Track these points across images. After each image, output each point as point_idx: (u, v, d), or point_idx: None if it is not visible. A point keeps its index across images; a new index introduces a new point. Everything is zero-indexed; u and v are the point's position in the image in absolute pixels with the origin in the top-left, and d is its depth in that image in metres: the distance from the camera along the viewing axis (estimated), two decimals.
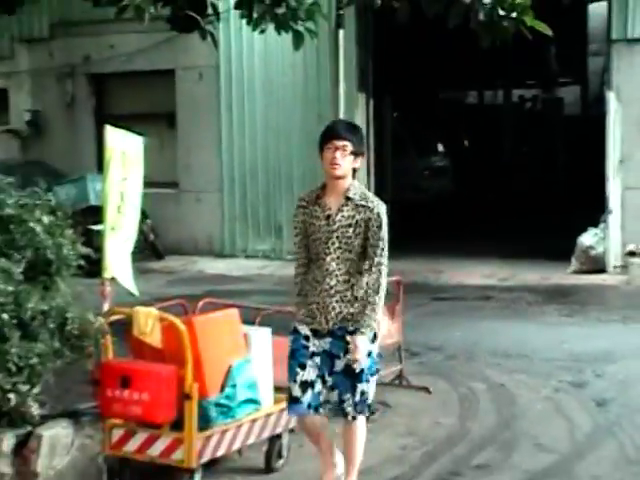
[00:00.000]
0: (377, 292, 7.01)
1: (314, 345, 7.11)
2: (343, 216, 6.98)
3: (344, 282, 7.04)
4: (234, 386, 8.14)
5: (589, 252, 21.01)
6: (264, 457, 8.64)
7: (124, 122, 9.52)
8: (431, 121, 33.05)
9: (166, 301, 9.32)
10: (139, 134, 9.27)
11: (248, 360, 8.37)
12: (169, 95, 25.72)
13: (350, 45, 20.85)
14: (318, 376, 7.10)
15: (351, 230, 6.95)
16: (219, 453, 8.03)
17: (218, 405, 7.97)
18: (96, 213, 11.21)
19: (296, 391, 7.11)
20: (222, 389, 8.05)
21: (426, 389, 11.50)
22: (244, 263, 22.74)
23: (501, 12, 12.35)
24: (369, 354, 7.09)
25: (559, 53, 31.79)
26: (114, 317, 8.40)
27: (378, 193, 24.34)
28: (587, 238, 21.16)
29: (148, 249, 21.27)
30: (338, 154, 6.95)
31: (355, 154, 7.06)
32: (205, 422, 7.79)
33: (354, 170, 7.13)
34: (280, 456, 8.71)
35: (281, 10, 13.67)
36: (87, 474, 7.91)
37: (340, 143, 6.98)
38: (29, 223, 7.64)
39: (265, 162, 24.69)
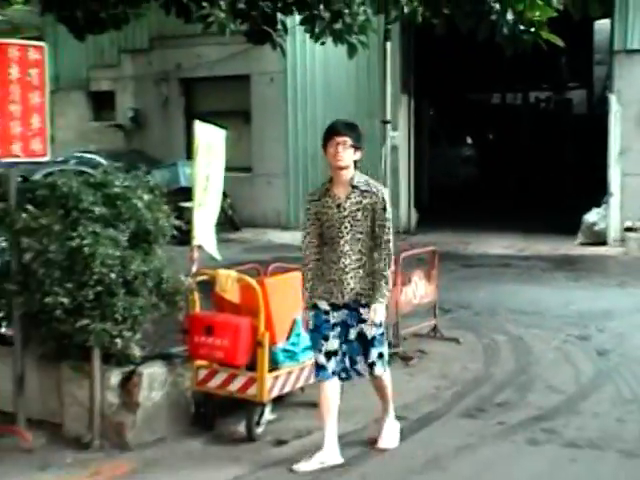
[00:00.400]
0: (388, 266, 7.03)
1: (333, 317, 7.07)
2: (352, 202, 6.94)
3: (357, 260, 6.98)
4: (298, 335, 8.22)
5: (593, 228, 21.03)
6: None
7: (208, 118, 9.57)
8: (461, 118, 32.85)
9: (242, 265, 9.37)
10: (221, 128, 9.33)
11: None
12: (245, 96, 25.84)
13: (395, 54, 20.72)
14: (339, 344, 7.09)
15: (360, 214, 6.93)
16: (285, 390, 8.17)
17: (285, 351, 8.07)
18: (186, 193, 11.30)
19: (322, 360, 7.09)
20: (288, 338, 8.15)
21: (456, 340, 11.55)
22: None
23: (521, 27, 12.36)
24: (379, 324, 7.09)
25: (569, 61, 31.36)
26: (200, 277, 8.49)
27: (417, 178, 24.61)
28: (591, 216, 21.18)
29: (227, 222, 21.31)
30: (340, 148, 6.89)
31: (355, 147, 6.99)
32: (274, 364, 7.92)
33: (355, 162, 7.05)
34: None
35: (338, 26, 13.65)
36: (178, 405, 8.00)
37: (340, 139, 6.92)
38: (132, 200, 7.70)
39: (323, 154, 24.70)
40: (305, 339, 8.29)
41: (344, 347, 7.12)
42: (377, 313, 6.94)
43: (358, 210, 6.93)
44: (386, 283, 7.03)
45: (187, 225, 8.85)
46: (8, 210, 7.72)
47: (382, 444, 7.47)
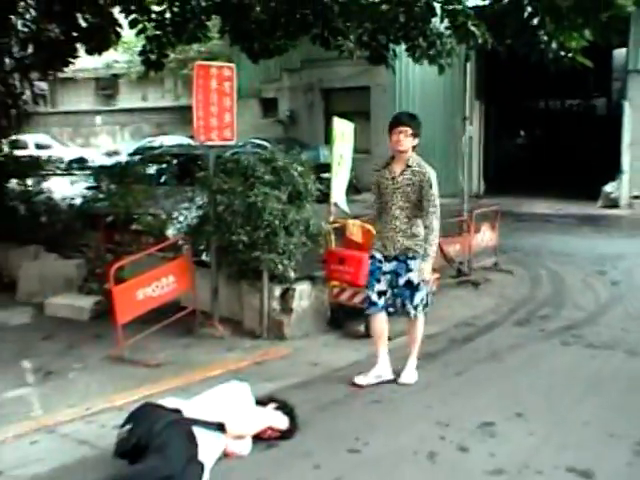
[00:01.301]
0: (433, 231, 6.18)
1: (385, 266, 6.33)
2: (404, 178, 6.23)
3: (405, 223, 6.25)
4: None
5: (609, 196, 20.76)
6: None
7: (341, 116, 9.54)
8: (517, 117, 32.12)
9: (363, 217, 9.32)
10: (350, 122, 9.27)
11: None
12: (366, 101, 25.67)
13: (472, 71, 20.30)
14: (387, 287, 6.37)
15: (409, 188, 6.20)
16: None
17: None
18: (324, 167, 11.28)
19: (374, 297, 6.39)
20: None
21: (511, 272, 11.39)
22: None
23: (562, 53, 12.37)
24: (416, 285, 6.30)
25: (594, 78, 30.17)
26: (335, 225, 8.52)
27: (485, 159, 24.24)
28: (608, 187, 20.91)
29: (352, 188, 21.30)
30: (402, 136, 6.19)
31: (414, 135, 6.28)
32: None
33: (414, 147, 6.34)
34: (426, 305, 8.72)
35: (432, 52, 13.57)
36: (319, 311, 8.06)
37: (403, 128, 6.22)
38: (290, 170, 7.73)
39: (421, 141, 24.50)
40: None
41: (395, 291, 6.38)
42: (425, 270, 6.20)
43: (408, 185, 6.22)
44: (431, 246, 6.21)
45: (326, 189, 8.88)
46: (208, 177, 7.88)
47: (402, 379, 6.47)
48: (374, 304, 6.44)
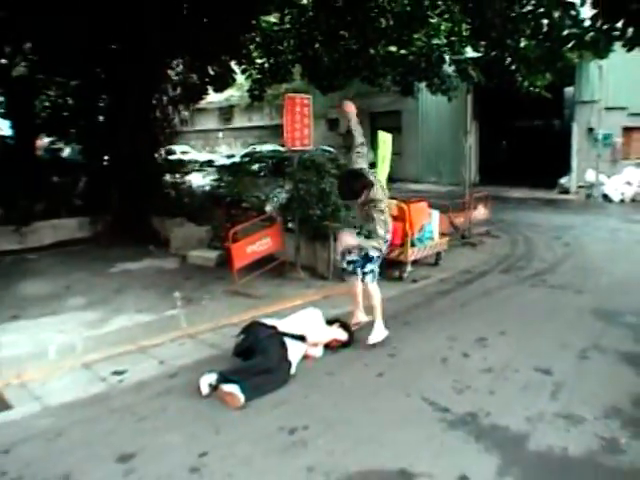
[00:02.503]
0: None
1: None
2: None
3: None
4: (424, 231, 7.99)
5: (563, 185, 20.13)
6: (435, 259, 8.46)
7: (383, 129, 9.34)
8: (500, 132, 31.08)
9: (397, 198, 9.12)
10: (389, 133, 9.05)
11: (430, 222, 8.15)
12: (399, 120, 25.01)
13: (471, 100, 19.70)
14: (356, 257, 5.40)
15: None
16: (417, 257, 7.89)
17: (418, 239, 7.83)
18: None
19: (344, 265, 5.48)
20: (419, 232, 7.91)
21: (498, 236, 11.01)
22: (427, 185, 22.16)
23: (531, 88, 12.44)
24: (370, 258, 5.35)
25: (553, 106, 28.85)
26: None
27: (480, 160, 23.69)
28: (562, 180, 20.32)
29: (389, 178, 21.02)
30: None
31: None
32: (412, 245, 7.68)
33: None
34: (440, 258, 8.48)
35: (443, 87, 13.44)
36: None
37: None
38: (326, 166, 7.60)
39: (436, 147, 23.94)
40: (427, 233, 8.07)
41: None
42: (372, 243, 5.24)
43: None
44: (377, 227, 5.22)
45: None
46: (293, 171, 7.78)
47: (369, 340, 5.31)
48: (345, 270, 5.57)
